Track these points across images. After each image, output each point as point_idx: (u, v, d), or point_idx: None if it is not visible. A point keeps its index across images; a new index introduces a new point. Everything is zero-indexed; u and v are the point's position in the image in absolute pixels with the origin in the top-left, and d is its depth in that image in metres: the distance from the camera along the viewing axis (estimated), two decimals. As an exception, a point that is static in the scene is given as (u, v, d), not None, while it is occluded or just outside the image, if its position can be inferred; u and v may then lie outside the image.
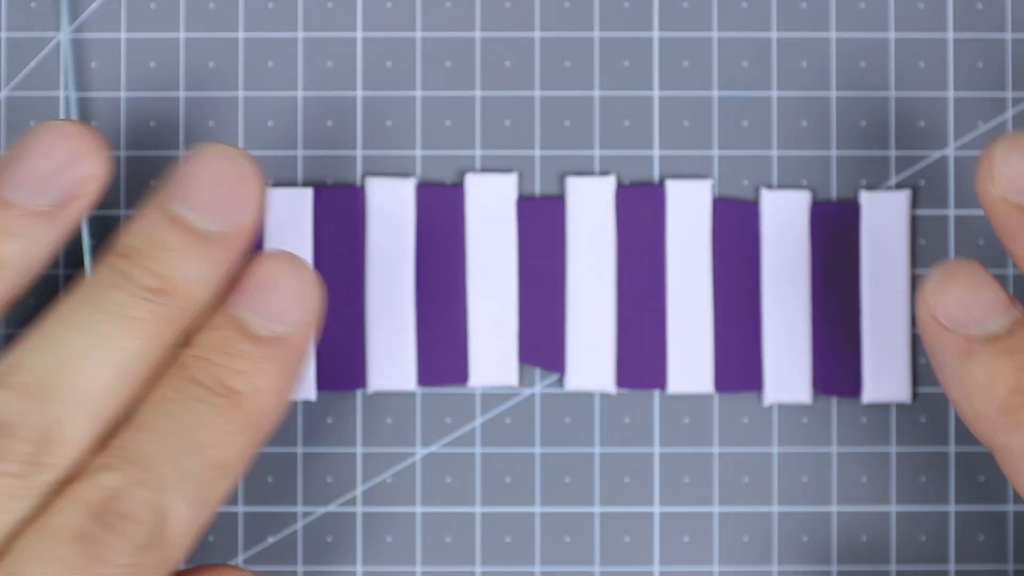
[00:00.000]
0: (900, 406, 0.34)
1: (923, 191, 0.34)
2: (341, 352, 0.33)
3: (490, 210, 0.34)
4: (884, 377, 0.33)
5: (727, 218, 0.34)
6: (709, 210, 0.34)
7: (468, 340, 0.33)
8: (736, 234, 0.34)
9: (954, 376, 0.28)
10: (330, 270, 0.33)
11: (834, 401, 0.34)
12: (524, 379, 0.34)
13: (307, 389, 0.33)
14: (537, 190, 0.34)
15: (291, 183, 0.34)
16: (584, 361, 0.33)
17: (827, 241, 0.34)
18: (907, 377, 0.33)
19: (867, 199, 0.34)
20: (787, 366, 0.33)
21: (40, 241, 0.28)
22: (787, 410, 0.34)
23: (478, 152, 0.34)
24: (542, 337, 0.33)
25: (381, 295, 0.33)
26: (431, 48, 0.34)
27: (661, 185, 0.34)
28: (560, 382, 0.34)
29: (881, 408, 0.34)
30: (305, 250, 0.33)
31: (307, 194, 0.33)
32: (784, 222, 0.34)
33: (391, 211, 0.33)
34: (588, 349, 0.33)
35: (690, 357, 0.33)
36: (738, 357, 0.33)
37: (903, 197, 0.34)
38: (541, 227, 0.34)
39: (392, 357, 0.33)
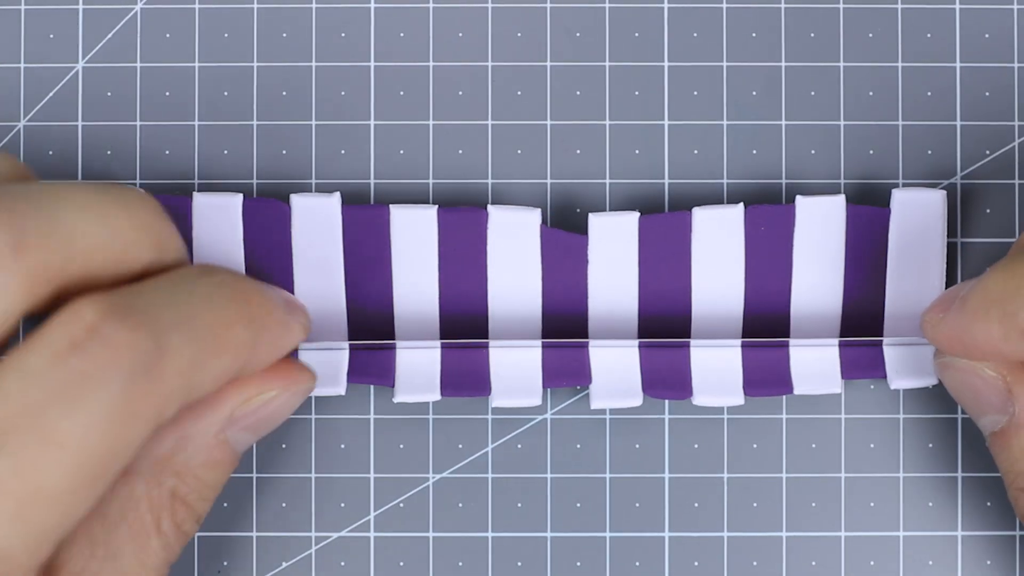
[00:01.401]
0: (909, 430, 0.34)
1: (931, 219, 0.34)
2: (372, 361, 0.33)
3: (513, 245, 0.33)
4: (909, 361, 0.33)
5: (758, 224, 0.33)
6: (742, 236, 0.33)
7: (491, 373, 0.33)
8: (767, 241, 0.33)
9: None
10: (361, 291, 0.34)
11: (843, 423, 0.34)
12: (536, 406, 0.34)
13: (338, 383, 0.33)
14: (549, 218, 0.34)
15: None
16: (609, 376, 0.33)
17: (859, 243, 0.33)
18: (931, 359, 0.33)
19: (899, 197, 0.33)
20: (814, 360, 0.33)
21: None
22: (796, 434, 0.34)
23: (490, 181, 0.35)
24: (567, 362, 0.33)
25: (407, 312, 0.33)
26: (443, 77, 0.35)
27: (688, 212, 0.33)
28: (584, 399, 0.34)
29: (890, 435, 0.34)
30: (337, 269, 0.33)
31: (336, 216, 0.33)
32: (819, 224, 0.33)
33: (412, 236, 0.33)
34: (613, 370, 0.33)
35: (717, 371, 0.33)
36: (767, 363, 0.33)
37: (938, 197, 0.33)
38: (563, 266, 0.33)
39: (419, 370, 0.33)
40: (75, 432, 0.23)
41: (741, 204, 0.33)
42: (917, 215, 0.33)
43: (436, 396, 0.33)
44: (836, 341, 0.33)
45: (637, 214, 0.33)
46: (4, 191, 0.25)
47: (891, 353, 0.33)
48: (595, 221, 0.33)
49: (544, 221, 0.34)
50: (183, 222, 0.33)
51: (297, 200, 0.33)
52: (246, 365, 0.28)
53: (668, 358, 0.33)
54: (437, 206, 0.33)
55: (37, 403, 0.23)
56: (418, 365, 0.33)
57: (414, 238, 0.33)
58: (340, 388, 0.33)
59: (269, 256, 0.33)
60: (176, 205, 0.33)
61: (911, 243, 0.33)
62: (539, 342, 0.33)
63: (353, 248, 0.33)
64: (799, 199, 0.33)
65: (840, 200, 0.33)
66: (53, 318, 0.24)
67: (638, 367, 0.33)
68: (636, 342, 0.33)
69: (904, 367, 0.33)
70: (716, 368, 0.33)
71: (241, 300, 0.27)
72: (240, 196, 0.33)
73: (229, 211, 0.33)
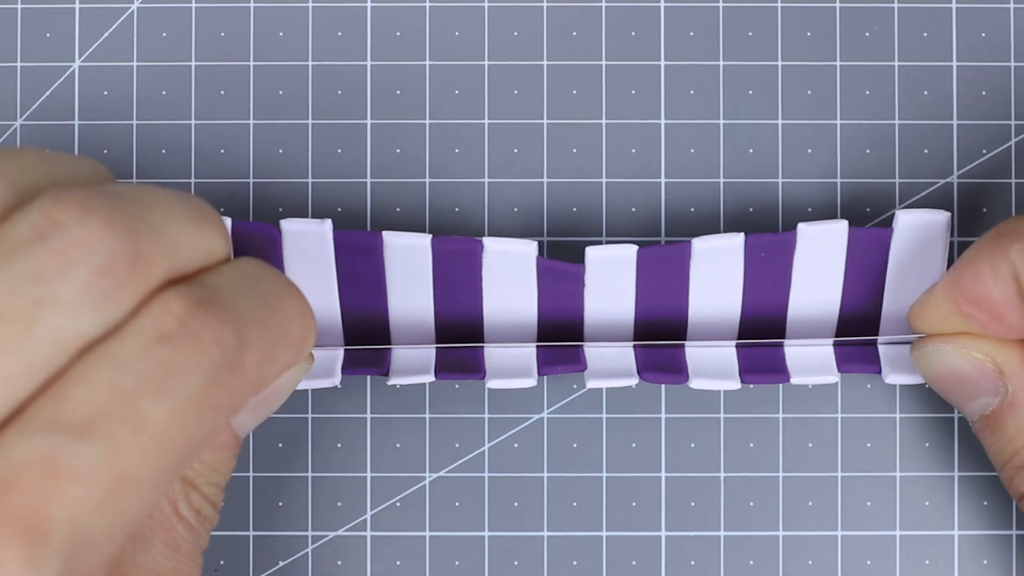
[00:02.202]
0: (905, 430, 0.34)
1: (927, 218, 0.34)
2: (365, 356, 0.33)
3: (508, 272, 0.33)
4: (904, 358, 0.33)
5: (758, 250, 0.32)
6: (741, 260, 0.33)
7: (485, 360, 0.33)
8: (766, 263, 0.33)
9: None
10: (356, 315, 0.33)
11: (839, 422, 0.34)
12: (532, 405, 0.34)
13: (333, 374, 0.33)
14: (545, 219, 0.34)
15: (302, 211, 0.34)
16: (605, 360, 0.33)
17: (859, 262, 0.33)
18: None
19: (903, 220, 0.32)
20: (809, 355, 0.33)
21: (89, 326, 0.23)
22: (793, 434, 0.34)
23: (486, 180, 0.35)
24: (562, 352, 0.33)
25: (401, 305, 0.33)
26: (440, 76, 0.35)
27: (688, 243, 0.32)
28: (580, 398, 0.34)
29: (887, 434, 0.34)
30: (332, 291, 0.33)
31: (328, 242, 0.32)
32: (819, 246, 0.32)
33: (407, 261, 0.33)
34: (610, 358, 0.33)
35: (714, 358, 0.33)
36: (763, 354, 0.33)
37: (942, 218, 0.32)
38: (559, 289, 0.33)
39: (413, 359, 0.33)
40: (163, 420, 0.23)
41: (741, 234, 0.32)
42: (919, 235, 0.32)
43: (430, 377, 0.32)
44: (830, 341, 0.33)
45: (635, 247, 0.32)
46: (114, 196, 0.24)
47: (886, 350, 0.33)
48: (592, 254, 0.32)
49: (540, 221, 0.34)
50: None
51: (287, 225, 0.32)
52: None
53: (664, 350, 0.33)
54: (431, 236, 0.32)
55: (127, 390, 0.23)
56: (413, 357, 0.33)
57: (408, 265, 0.33)
58: (335, 380, 0.32)
59: None
60: None
61: (912, 262, 0.33)
62: (533, 345, 0.33)
63: (347, 272, 0.33)
64: (801, 227, 0.32)
65: (843, 226, 0.32)
66: (142, 310, 0.24)
67: (633, 356, 0.33)
68: (631, 344, 0.33)
69: (899, 363, 0.33)
70: (713, 355, 0.33)
71: (296, 296, 0.27)
72: (228, 220, 0.32)
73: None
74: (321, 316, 0.33)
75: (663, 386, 0.34)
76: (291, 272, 0.32)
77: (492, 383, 0.32)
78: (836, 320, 0.33)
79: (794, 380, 0.33)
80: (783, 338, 0.33)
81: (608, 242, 0.34)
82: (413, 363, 0.33)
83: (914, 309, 0.31)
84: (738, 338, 0.33)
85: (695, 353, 0.33)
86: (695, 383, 0.32)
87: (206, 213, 0.26)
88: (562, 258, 0.34)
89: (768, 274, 0.33)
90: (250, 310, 0.25)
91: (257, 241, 0.32)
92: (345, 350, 0.33)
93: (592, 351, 0.33)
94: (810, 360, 0.33)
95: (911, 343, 0.33)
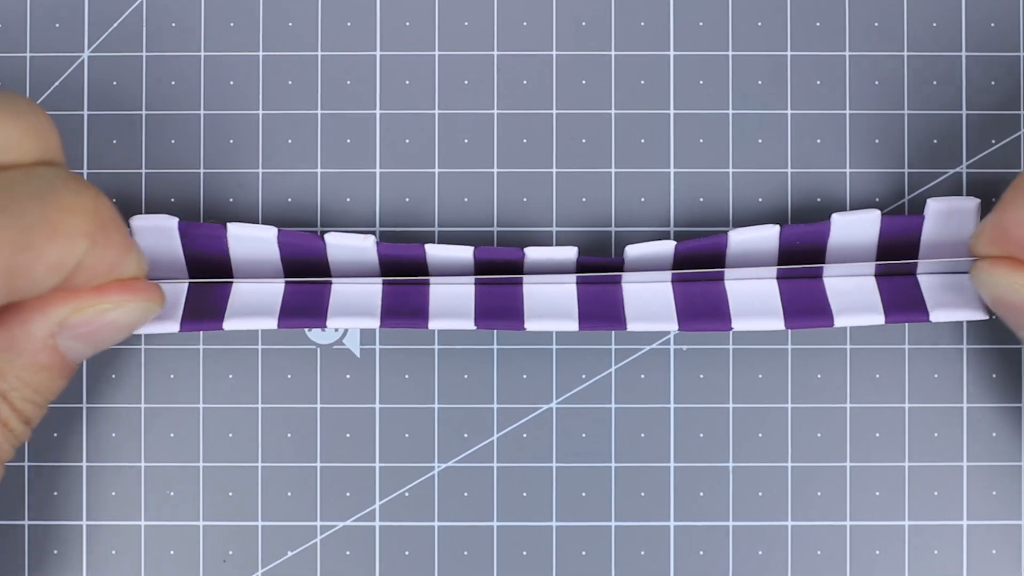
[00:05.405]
0: (914, 419, 0.34)
1: (936, 208, 0.34)
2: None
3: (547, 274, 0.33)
4: (949, 293, 0.33)
5: (792, 240, 0.33)
6: (776, 247, 0.33)
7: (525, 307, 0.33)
8: (800, 248, 0.33)
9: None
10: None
11: (848, 412, 0.34)
12: (541, 395, 0.34)
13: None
14: (554, 207, 0.34)
15: (309, 200, 0.35)
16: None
17: (891, 244, 0.33)
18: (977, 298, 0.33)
19: (934, 208, 0.33)
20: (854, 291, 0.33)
21: None
22: (800, 424, 0.34)
23: (495, 170, 0.35)
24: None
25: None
26: (448, 66, 0.35)
27: (724, 236, 0.33)
28: (590, 388, 0.34)
29: (895, 424, 0.34)
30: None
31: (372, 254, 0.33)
32: (852, 232, 0.33)
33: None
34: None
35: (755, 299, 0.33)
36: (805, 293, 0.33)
37: (972, 204, 0.33)
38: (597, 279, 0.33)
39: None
40: None
41: (777, 226, 0.32)
42: (950, 221, 0.33)
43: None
44: (871, 265, 0.33)
45: (673, 243, 0.33)
46: None
47: (929, 292, 0.33)
48: (632, 251, 0.33)
49: (548, 208, 0.34)
50: (219, 241, 0.33)
51: (332, 238, 0.32)
52: (81, 275, 0.28)
53: (704, 292, 0.33)
54: (473, 248, 0.33)
55: None
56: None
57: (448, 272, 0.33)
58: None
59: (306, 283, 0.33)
60: (209, 232, 0.33)
61: (943, 245, 0.33)
62: (573, 323, 0.33)
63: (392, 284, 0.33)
64: (835, 217, 0.32)
65: (875, 215, 0.32)
66: None
67: (673, 302, 0.33)
68: (669, 272, 0.33)
69: (945, 298, 0.33)
70: (755, 293, 0.33)
71: (87, 195, 0.28)
72: (272, 230, 0.33)
73: (266, 241, 0.33)
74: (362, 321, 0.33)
75: (672, 376, 0.34)
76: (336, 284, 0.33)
77: (531, 324, 0.32)
78: (879, 296, 0.33)
79: (838, 322, 0.33)
80: (827, 304, 0.33)
81: (618, 232, 0.34)
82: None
83: (969, 243, 0.31)
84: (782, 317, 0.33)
85: (736, 289, 0.33)
86: (737, 324, 0.32)
87: (12, 113, 0.27)
88: (582, 247, 0.34)
89: (803, 256, 0.33)
90: (6, 199, 0.26)
91: (303, 247, 0.33)
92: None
93: (630, 294, 0.33)
94: (855, 299, 0.33)
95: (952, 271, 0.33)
